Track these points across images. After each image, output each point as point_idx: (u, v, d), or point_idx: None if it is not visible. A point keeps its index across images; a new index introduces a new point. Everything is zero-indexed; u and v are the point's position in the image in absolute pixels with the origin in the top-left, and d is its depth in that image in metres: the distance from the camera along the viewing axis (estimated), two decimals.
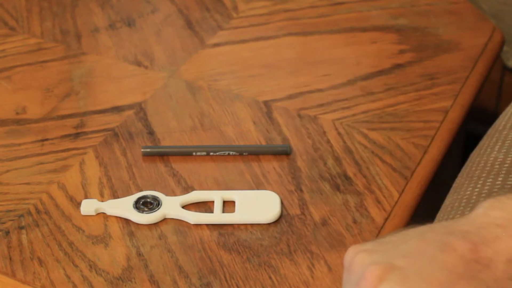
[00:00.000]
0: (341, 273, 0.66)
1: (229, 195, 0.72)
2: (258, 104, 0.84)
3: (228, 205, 0.72)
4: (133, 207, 0.71)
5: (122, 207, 0.71)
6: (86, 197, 0.73)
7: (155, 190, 0.73)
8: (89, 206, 0.71)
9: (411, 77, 0.88)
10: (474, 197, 0.69)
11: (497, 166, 0.71)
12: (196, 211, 0.71)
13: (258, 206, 0.71)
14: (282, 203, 0.72)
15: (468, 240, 0.53)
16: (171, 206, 0.71)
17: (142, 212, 0.70)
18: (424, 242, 0.54)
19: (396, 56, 0.91)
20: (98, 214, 0.71)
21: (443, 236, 0.54)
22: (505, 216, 0.54)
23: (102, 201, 0.72)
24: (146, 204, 0.71)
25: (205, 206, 0.72)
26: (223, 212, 0.71)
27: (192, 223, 0.70)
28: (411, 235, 0.55)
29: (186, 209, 0.71)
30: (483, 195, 0.68)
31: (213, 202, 0.72)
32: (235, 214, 0.71)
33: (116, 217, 0.71)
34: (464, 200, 0.69)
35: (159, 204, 0.71)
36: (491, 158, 0.72)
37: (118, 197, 0.73)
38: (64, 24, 0.95)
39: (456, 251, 0.53)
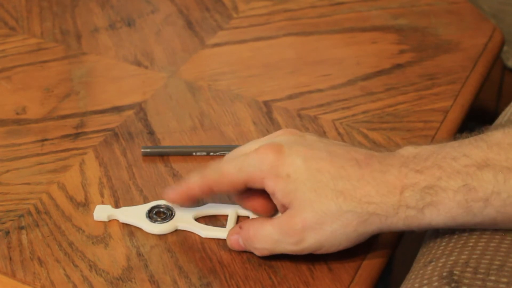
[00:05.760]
0: (341, 274, 0.66)
1: (244, 210, 0.70)
2: (258, 104, 0.84)
3: (241, 220, 0.71)
4: (146, 216, 0.70)
5: (135, 215, 0.70)
6: (86, 197, 0.73)
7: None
8: (102, 212, 0.70)
9: (411, 77, 0.88)
10: None
11: None
12: (207, 223, 0.70)
13: None
14: None
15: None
16: (184, 218, 0.70)
17: (155, 222, 0.70)
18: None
19: (396, 56, 0.91)
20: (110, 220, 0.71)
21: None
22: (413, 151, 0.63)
23: (115, 207, 0.71)
24: (159, 214, 0.71)
25: (216, 218, 0.71)
26: None
27: (203, 236, 0.69)
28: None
29: (197, 221, 0.70)
30: None
31: (226, 215, 0.71)
32: None
33: None
34: None
35: (172, 214, 0.70)
36: None
37: (118, 197, 0.73)
38: (64, 24, 0.95)
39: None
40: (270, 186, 0.64)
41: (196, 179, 0.67)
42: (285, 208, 0.64)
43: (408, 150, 0.63)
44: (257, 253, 0.66)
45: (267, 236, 0.64)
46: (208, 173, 0.67)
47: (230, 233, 0.67)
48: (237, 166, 0.65)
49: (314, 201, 0.62)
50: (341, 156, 0.63)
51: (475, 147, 0.61)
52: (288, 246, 0.64)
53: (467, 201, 0.60)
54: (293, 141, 0.65)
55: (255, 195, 0.68)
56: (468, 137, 0.63)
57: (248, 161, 0.65)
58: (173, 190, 0.69)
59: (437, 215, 0.61)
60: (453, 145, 0.62)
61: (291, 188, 0.63)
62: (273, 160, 0.63)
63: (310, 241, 0.63)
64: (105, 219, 0.70)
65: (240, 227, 0.66)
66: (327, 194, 0.62)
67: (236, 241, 0.67)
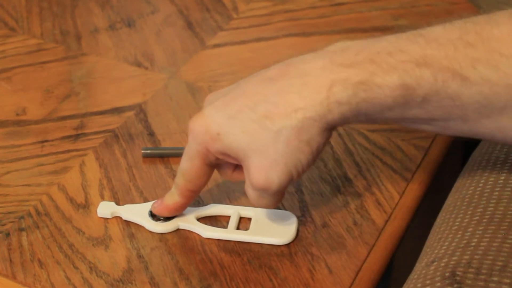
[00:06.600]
0: (342, 276, 0.66)
1: (246, 211, 0.71)
2: None
3: (243, 221, 0.71)
4: (149, 214, 0.70)
5: (138, 213, 0.70)
6: (86, 199, 0.73)
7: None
8: (105, 209, 0.71)
9: None
10: (476, 196, 0.69)
11: (499, 166, 0.71)
12: (208, 224, 0.70)
13: (273, 226, 0.70)
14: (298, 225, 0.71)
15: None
16: (186, 218, 0.70)
17: (157, 221, 0.70)
18: None
19: None
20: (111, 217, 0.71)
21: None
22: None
23: (119, 205, 0.71)
24: None
25: (218, 219, 0.71)
26: (238, 228, 0.70)
27: (204, 236, 0.69)
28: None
29: (199, 221, 0.70)
30: (485, 194, 0.68)
31: (228, 216, 0.71)
32: (248, 232, 0.69)
33: (117, 218, 0.71)
34: (466, 199, 0.69)
35: None
36: (493, 157, 0.73)
37: (118, 199, 0.73)
38: (64, 25, 0.95)
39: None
40: (214, 149, 0.63)
41: (175, 193, 0.68)
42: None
43: (337, 45, 0.61)
44: (271, 207, 0.65)
45: (252, 198, 0.64)
46: (178, 180, 0.67)
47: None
48: (186, 157, 0.65)
49: (250, 142, 0.61)
50: (254, 83, 0.62)
51: (412, 43, 0.58)
52: (266, 193, 0.62)
53: (404, 97, 0.58)
54: (208, 102, 0.64)
55: (232, 168, 0.67)
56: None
57: (189, 146, 0.64)
58: (163, 205, 0.69)
59: (373, 108, 0.59)
60: (389, 40, 0.60)
61: (227, 144, 0.62)
62: (200, 128, 0.63)
63: (275, 177, 0.61)
64: (108, 216, 0.70)
65: None
66: (254, 127, 0.60)
67: None
